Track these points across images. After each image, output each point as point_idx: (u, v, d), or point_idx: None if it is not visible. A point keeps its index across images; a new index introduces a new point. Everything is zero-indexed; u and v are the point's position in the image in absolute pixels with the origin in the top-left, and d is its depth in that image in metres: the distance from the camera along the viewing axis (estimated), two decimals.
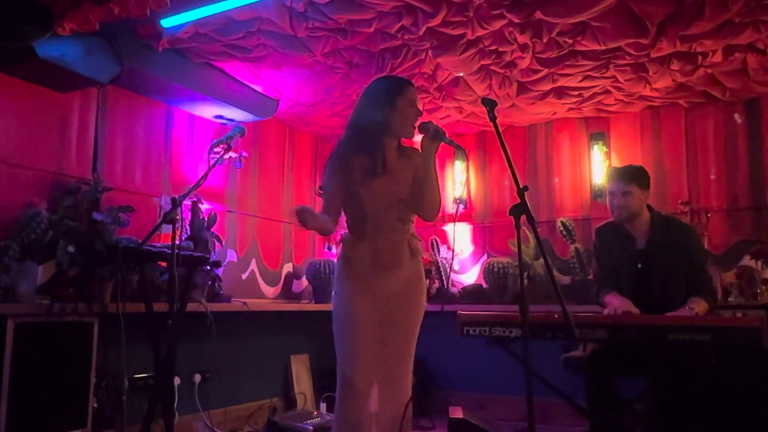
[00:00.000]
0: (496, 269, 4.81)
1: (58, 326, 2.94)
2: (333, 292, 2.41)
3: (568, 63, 3.76)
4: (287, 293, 5.02)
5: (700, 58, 3.66)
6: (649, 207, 3.08)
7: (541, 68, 3.87)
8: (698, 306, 2.75)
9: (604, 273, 3.13)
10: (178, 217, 2.65)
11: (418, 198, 2.36)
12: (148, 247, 3.05)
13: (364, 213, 2.34)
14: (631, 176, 3.01)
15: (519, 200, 2.03)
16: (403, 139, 2.45)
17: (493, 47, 3.58)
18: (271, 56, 3.66)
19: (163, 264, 3.46)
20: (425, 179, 2.35)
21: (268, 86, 4.19)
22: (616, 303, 2.82)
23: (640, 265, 2.98)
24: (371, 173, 2.32)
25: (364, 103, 2.40)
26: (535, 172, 5.14)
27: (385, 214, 2.33)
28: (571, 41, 3.47)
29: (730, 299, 4.02)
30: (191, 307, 3.47)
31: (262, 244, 4.78)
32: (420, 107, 2.43)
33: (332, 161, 2.39)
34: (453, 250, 5.27)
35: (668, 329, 2.47)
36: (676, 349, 2.58)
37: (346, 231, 2.46)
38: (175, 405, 3.41)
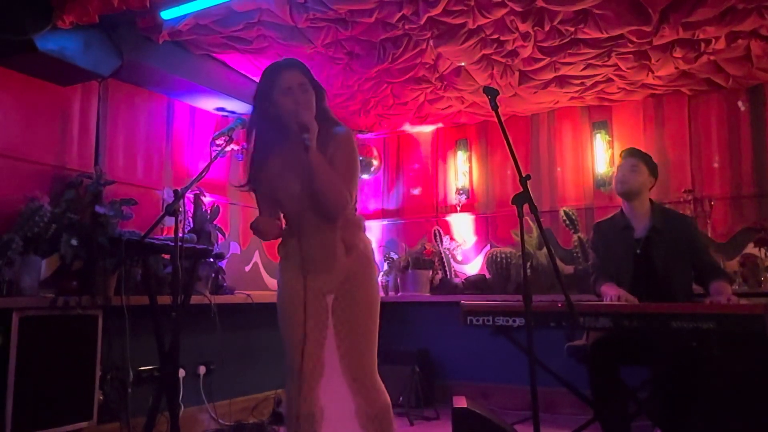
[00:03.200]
0: (499, 259, 4.81)
1: (63, 319, 2.95)
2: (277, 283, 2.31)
3: (570, 51, 3.74)
4: None
5: (702, 45, 3.64)
6: (650, 199, 3.15)
7: (542, 57, 3.85)
8: (726, 290, 2.80)
9: (602, 264, 3.15)
10: (180, 210, 2.64)
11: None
12: (151, 240, 3.05)
13: (288, 213, 2.24)
14: (642, 155, 3.16)
15: (521, 189, 2.03)
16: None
17: (495, 36, 3.57)
18: (272, 47, 3.65)
19: (167, 256, 3.46)
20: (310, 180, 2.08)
21: None
22: (613, 292, 2.84)
23: (638, 251, 3.01)
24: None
25: (254, 105, 2.28)
26: (537, 161, 5.12)
27: (307, 216, 2.15)
28: (572, 29, 3.45)
29: (734, 287, 4.01)
30: (195, 299, 3.47)
31: None
32: (301, 89, 2.17)
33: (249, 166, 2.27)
34: (456, 241, 5.28)
35: (671, 317, 2.47)
36: (680, 336, 2.58)
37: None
38: (180, 397, 3.43)
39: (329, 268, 2.16)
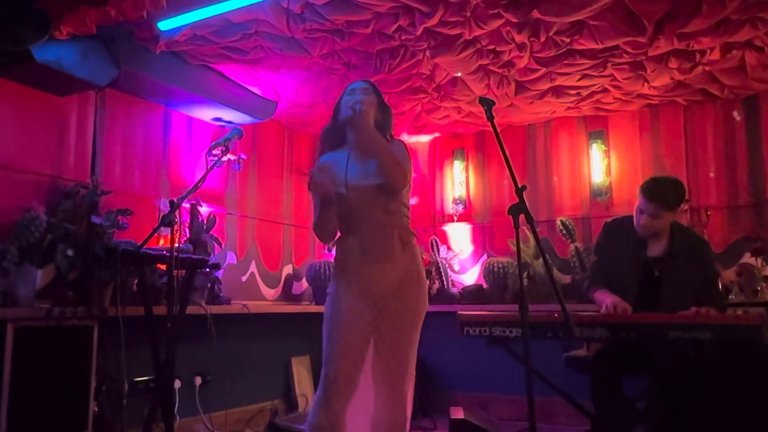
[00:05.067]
0: (496, 269, 4.81)
1: (58, 330, 2.93)
2: (327, 293, 2.37)
3: (565, 62, 3.76)
4: (287, 295, 5.02)
5: (698, 55, 3.66)
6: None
7: (539, 67, 3.87)
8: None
9: (601, 270, 3.04)
10: (176, 220, 2.64)
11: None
12: (147, 250, 3.04)
13: (348, 209, 2.31)
14: (666, 201, 2.82)
15: (518, 200, 2.03)
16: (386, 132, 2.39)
17: (491, 47, 3.58)
18: (269, 58, 3.66)
19: (163, 267, 3.45)
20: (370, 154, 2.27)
21: (266, 88, 4.19)
22: (608, 300, 2.77)
23: (657, 273, 2.87)
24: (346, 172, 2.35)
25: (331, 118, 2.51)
26: (534, 171, 5.13)
27: (368, 208, 2.27)
28: (568, 40, 3.46)
29: (730, 297, 4.01)
30: (191, 309, 3.46)
31: (261, 246, 4.77)
32: (363, 92, 2.38)
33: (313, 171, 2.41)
34: (453, 250, 5.27)
35: (669, 327, 2.47)
36: (677, 346, 2.58)
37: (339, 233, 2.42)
38: (176, 408, 3.41)
39: (386, 258, 2.23)
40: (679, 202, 2.88)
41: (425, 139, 5.56)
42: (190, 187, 2.74)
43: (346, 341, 2.18)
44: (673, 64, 3.76)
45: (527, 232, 4.55)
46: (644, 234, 2.91)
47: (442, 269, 5.12)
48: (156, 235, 3.35)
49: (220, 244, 4.08)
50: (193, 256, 3.41)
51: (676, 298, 2.82)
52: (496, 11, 3.16)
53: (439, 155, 5.59)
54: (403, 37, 3.45)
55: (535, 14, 3.17)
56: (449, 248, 5.28)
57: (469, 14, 3.20)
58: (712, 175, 4.51)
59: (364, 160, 2.30)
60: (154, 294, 3.36)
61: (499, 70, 3.95)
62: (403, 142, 2.43)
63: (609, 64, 3.81)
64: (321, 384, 2.21)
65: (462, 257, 5.29)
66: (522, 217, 2.02)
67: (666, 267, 2.89)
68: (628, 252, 2.96)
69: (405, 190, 2.35)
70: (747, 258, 4.17)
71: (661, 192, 2.84)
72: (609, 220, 3.19)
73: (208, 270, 3.68)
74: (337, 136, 2.43)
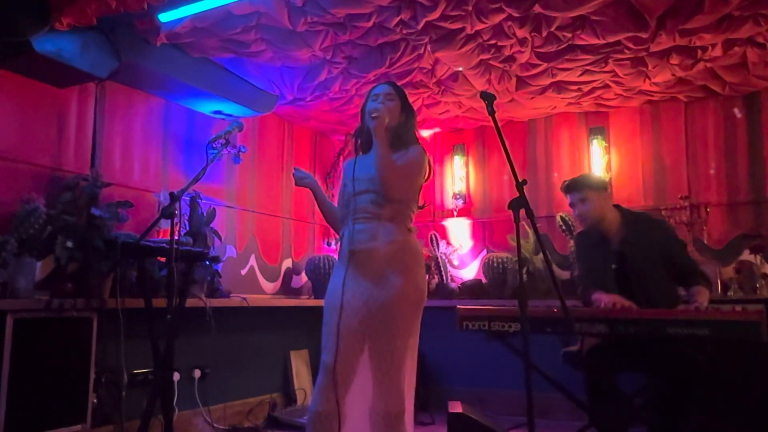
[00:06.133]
0: (495, 264, 4.81)
1: (57, 322, 2.94)
2: None
3: (567, 57, 3.75)
4: (287, 289, 5.02)
5: (699, 52, 3.66)
6: (618, 207, 3.10)
7: (540, 63, 3.86)
8: (702, 296, 2.76)
9: (588, 273, 3.10)
10: (176, 212, 2.64)
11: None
12: (147, 242, 3.04)
13: (347, 197, 2.42)
14: (582, 184, 3.06)
15: (518, 194, 2.03)
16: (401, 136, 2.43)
17: (492, 41, 3.58)
18: (270, 51, 3.65)
19: (162, 259, 3.45)
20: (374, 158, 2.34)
21: (267, 81, 4.18)
22: (607, 299, 2.79)
23: (614, 266, 2.96)
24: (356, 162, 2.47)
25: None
26: (534, 166, 5.13)
27: (360, 198, 2.36)
28: (570, 35, 3.46)
29: (729, 293, 4.02)
30: (190, 302, 3.46)
31: (261, 240, 4.77)
32: (387, 97, 2.44)
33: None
34: (452, 245, 5.28)
35: (667, 323, 2.47)
36: (676, 342, 2.59)
37: None
38: (175, 400, 3.41)
39: (369, 248, 2.28)
40: (599, 182, 3.11)
41: (426, 133, 5.55)
42: (190, 180, 2.74)
43: (339, 329, 2.21)
44: (674, 60, 3.75)
45: (527, 227, 4.55)
46: (587, 224, 3.06)
47: (441, 264, 5.12)
48: (156, 227, 3.34)
49: (219, 237, 4.08)
50: (193, 249, 3.40)
51: (648, 283, 2.88)
52: (497, 5, 3.16)
53: (440, 150, 5.58)
54: (404, 31, 3.44)
55: (537, 9, 3.16)
56: (449, 243, 5.29)
57: (470, 8, 3.19)
58: (712, 171, 4.51)
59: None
60: (154, 286, 3.36)
61: (501, 65, 3.94)
62: (423, 150, 2.42)
63: (610, 60, 3.81)
64: (320, 371, 2.26)
65: (461, 252, 5.29)
66: (522, 211, 2.02)
67: (626, 256, 2.95)
68: (597, 250, 3.05)
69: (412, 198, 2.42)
70: (746, 255, 4.17)
71: (574, 181, 3.12)
72: (577, 232, 3.36)
73: (207, 263, 3.68)
74: (366, 138, 2.50)
